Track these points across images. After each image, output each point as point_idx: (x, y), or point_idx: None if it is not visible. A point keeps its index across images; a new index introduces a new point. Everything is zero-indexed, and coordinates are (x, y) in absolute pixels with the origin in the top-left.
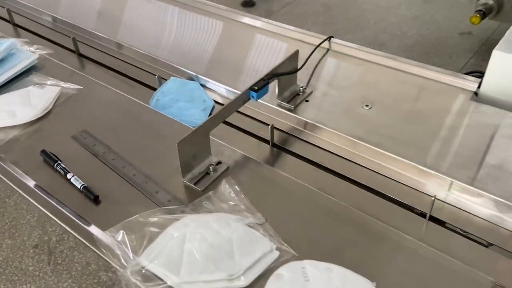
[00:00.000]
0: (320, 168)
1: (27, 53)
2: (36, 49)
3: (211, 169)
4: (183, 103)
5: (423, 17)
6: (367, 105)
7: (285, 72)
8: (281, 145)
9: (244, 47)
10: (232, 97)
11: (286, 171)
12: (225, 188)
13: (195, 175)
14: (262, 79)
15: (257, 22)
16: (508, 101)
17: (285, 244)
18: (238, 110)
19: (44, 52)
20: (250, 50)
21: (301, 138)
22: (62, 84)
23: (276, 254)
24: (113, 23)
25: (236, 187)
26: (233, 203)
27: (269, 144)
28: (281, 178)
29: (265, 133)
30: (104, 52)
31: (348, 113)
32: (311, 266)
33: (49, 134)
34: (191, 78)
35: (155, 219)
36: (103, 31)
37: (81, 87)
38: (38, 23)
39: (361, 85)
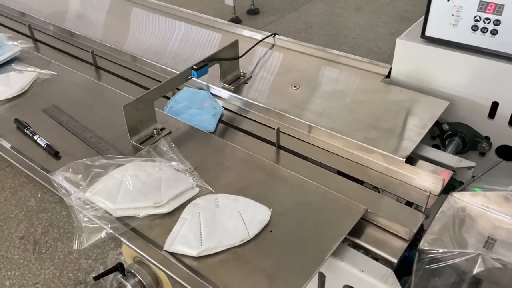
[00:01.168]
0: (250, 135)
1: (11, 45)
2: (20, 43)
3: (155, 133)
4: (195, 110)
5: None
6: (295, 86)
7: (226, 58)
8: (225, 121)
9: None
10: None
11: (220, 137)
12: (163, 144)
13: (141, 137)
14: (202, 61)
15: (231, 28)
16: (411, 82)
17: (206, 184)
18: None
19: (26, 45)
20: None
21: (238, 113)
22: (38, 70)
23: (196, 190)
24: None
25: (172, 144)
26: (168, 156)
27: None
28: (213, 140)
29: None
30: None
31: (278, 92)
32: (222, 197)
33: (23, 108)
34: (201, 88)
35: (98, 162)
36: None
37: (55, 73)
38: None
39: (293, 71)
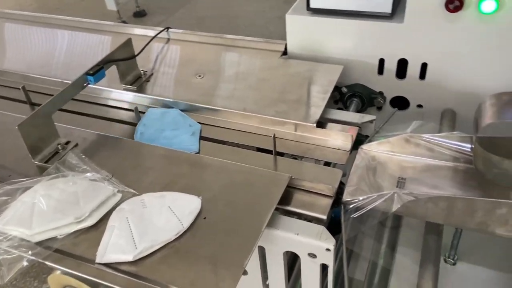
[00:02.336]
0: None
1: None
2: None
3: (60, 148)
4: (169, 132)
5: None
6: (199, 76)
7: (122, 58)
8: (130, 122)
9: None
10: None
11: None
12: (71, 157)
13: (45, 155)
14: (97, 65)
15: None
16: (307, 53)
17: (127, 188)
18: (100, 97)
19: None
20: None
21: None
22: None
23: (118, 196)
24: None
25: (82, 155)
26: (80, 168)
27: (118, 122)
28: (127, 144)
29: (114, 115)
30: None
31: (183, 84)
32: (148, 197)
33: None
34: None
35: (2, 190)
36: None
37: None
38: None
39: (194, 61)
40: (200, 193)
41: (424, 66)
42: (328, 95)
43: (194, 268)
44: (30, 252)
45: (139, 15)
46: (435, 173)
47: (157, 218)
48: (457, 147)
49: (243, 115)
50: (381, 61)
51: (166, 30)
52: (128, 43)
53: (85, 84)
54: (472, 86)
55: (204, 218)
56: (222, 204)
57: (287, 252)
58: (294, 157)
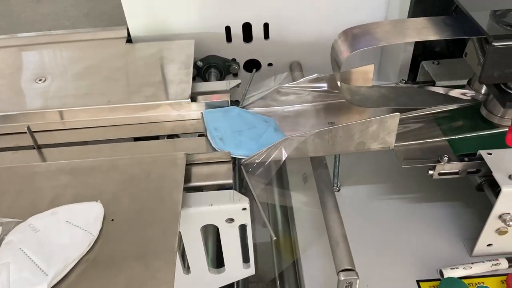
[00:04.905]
0: (20, 149)
1: None
2: None
3: None
4: (249, 132)
5: (94, 11)
6: (40, 79)
7: None
8: None
9: None
10: None
11: None
12: None
13: None
14: None
15: None
16: (154, 35)
17: (5, 218)
18: None
19: None
20: None
21: None
22: None
23: None
24: None
25: None
26: None
27: None
28: None
29: None
30: None
31: (24, 93)
32: (36, 219)
33: None
34: None
35: None
36: None
37: None
38: None
39: (25, 68)
40: (95, 198)
41: (266, 27)
42: (191, 69)
43: (124, 272)
44: None
45: None
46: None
47: (57, 237)
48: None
49: (110, 109)
50: (228, 29)
51: None
52: None
53: None
54: (308, 36)
55: (112, 220)
56: (126, 201)
57: (204, 227)
58: (178, 136)
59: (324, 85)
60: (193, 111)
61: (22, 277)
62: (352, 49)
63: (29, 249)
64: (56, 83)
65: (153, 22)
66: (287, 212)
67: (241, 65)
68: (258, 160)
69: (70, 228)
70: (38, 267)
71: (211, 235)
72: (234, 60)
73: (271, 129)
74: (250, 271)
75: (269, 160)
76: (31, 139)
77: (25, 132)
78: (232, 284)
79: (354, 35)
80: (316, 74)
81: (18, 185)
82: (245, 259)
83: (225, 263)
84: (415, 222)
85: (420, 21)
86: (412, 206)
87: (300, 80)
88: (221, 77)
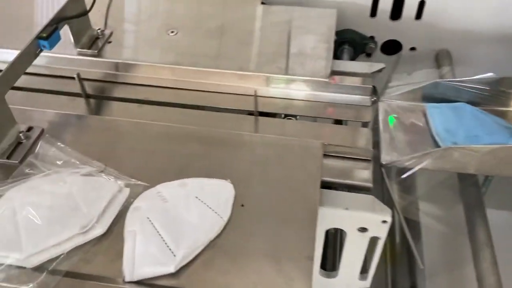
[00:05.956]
0: (146, 103)
1: None
2: None
3: (22, 137)
4: (488, 138)
5: None
6: (172, 31)
7: (75, 14)
8: (97, 94)
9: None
10: None
11: (112, 116)
12: (46, 148)
13: (4, 149)
14: (49, 25)
15: None
16: None
17: (134, 180)
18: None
19: None
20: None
21: (116, 81)
22: None
23: (127, 191)
24: None
25: (59, 143)
26: (62, 160)
27: (82, 97)
28: (109, 123)
29: (74, 87)
30: None
31: (155, 43)
32: (165, 188)
33: None
34: None
35: None
36: None
37: None
38: None
39: (160, 15)
40: (225, 175)
41: (421, 4)
42: (332, 44)
43: (252, 269)
44: (31, 285)
45: None
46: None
47: (186, 213)
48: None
49: (240, 76)
50: (375, 1)
51: None
52: None
53: (38, 51)
54: (467, 24)
55: (242, 205)
56: (256, 186)
57: (332, 229)
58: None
59: (494, 88)
60: (330, 92)
61: (148, 252)
62: None
63: (157, 221)
64: (187, 39)
65: None
66: (410, 222)
67: (379, 45)
68: (406, 165)
69: (200, 206)
70: (167, 245)
71: None
72: (372, 38)
73: None
74: (365, 283)
75: (417, 168)
76: (158, 95)
77: (146, 85)
78: None
79: None
80: (491, 74)
81: (146, 144)
82: (363, 270)
83: (340, 269)
84: None
85: None
86: None
87: (467, 79)
88: (354, 56)
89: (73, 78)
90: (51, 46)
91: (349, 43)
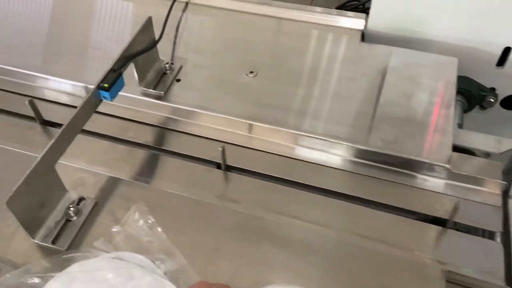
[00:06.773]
0: (216, 167)
1: None
2: None
3: (71, 214)
4: None
5: None
6: (251, 72)
7: (142, 50)
8: (159, 147)
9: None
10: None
11: (173, 182)
12: (135, 218)
13: (50, 228)
14: (112, 70)
15: None
16: (394, 34)
17: None
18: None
19: None
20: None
21: (183, 131)
22: None
23: None
24: None
25: (150, 216)
26: (147, 239)
27: (142, 148)
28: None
29: (134, 135)
30: None
31: (230, 87)
32: None
33: None
34: None
35: None
36: None
37: None
38: None
39: (238, 45)
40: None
41: None
42: (452, 109)
43: None
44: None
45: None
46: None
47: None
48: None
49: (330, 144)
50: (507, 50)
51: None
52: (148, 25)
53: (98, 103)
54: None
55: None
56: None
57: None
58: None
59: None
60: (452, 183)
61: None
62: None
63: None
64: (267, 84)
65: (404, 18)
66: None
67: (499, 98)
68: None
69: None
70: None
71: None
72: (493, 89)
73: None
74: None
75: None
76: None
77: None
78: None
79: None
80: None
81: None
82: None
83: None
84: None
85: None
86: None
87: None
88: (468, 110)
89: (135, 121)
90: (113, 97)
91: (463, 94)
